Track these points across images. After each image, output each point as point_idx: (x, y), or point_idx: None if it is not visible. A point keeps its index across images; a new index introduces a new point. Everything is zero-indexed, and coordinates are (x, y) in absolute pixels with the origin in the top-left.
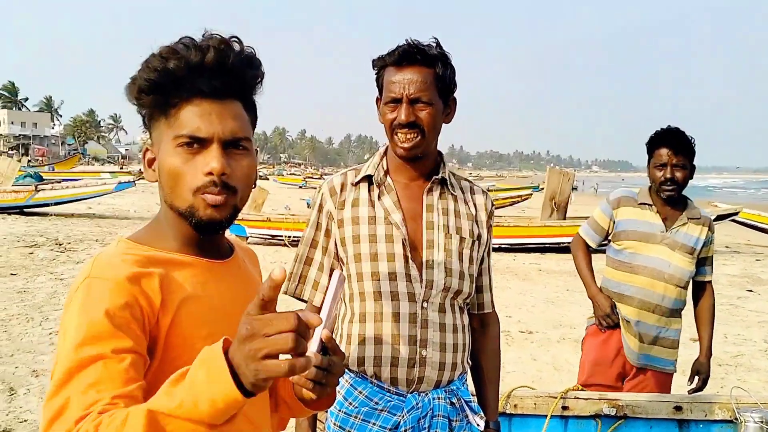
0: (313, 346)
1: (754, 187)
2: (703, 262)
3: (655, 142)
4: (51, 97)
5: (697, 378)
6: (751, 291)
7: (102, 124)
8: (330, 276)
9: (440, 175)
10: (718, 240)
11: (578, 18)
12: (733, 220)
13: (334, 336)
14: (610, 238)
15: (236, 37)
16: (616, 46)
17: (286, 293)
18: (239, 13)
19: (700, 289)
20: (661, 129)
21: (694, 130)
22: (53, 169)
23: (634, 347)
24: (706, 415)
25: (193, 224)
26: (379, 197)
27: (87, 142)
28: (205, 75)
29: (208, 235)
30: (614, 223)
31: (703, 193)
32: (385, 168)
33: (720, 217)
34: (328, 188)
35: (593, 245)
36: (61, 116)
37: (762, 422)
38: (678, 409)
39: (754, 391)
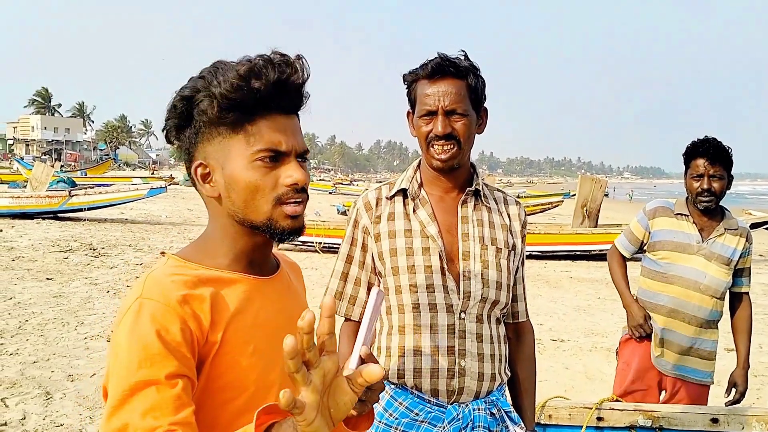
0: (352, 363)
1: None
2: (740, 272)
3: (691, 153)
4: (84, 103)
5: (734, 390)
6: None
7: (133, 129)
8: (368, 291)
9: (474, 186)
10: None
11: (609, 25)
12: None
13: (372, 349)
14: (645, 248)
15: (302, 56)
16: (648, 52)
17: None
18: (267, 16)
19: (737, 299)
20: (698, 139)
21: (727, 136)
22: (85, 174)
23: (669, 358)
24: (743, 428)
25: (272, 234)
26: (414, 210)
27: (118, 147)
28: (282, 93)
29: (269, 245)
30: (650, 233)
31: (734, 201)
32: (419, 181)
33: (754, 225)
34: (363, 203)
35: (628, 255)
36: (93, 122)
37: None
38: (714, 421)
39: None
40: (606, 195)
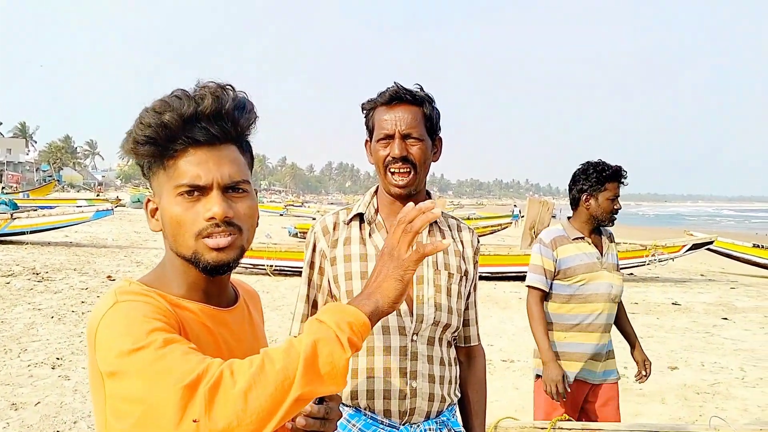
0: None
1: (722, 216)
2: None
3: (608, 177)
4: (25, 123)
5: (645, 365)
6: (726, 319)
7: (78, 150)
8: None
9: None
10: (693, 268)
11: (554, 48)
12: (709, 249)
13: None
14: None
15: (229, 85)
16: (590, 75)
17: (293, 334)
18: (216, 35)
19: None
20: (611, 166)
21: (668, 157)
22: (28, 196)
23: (596, 369)
24: None
25: (200, 269)
26: (370, 234)
27: (62, 169)
28: (200, 124)
29: (215, 277)
30: (556, 262)
31: (673, 220)
32: (376, 206)
33: (696, 246)
34: (321, 227)
35: (546, 290)
36: (35, 142)
37: None
38: None
39: (732, 419)
40: (554, 216)
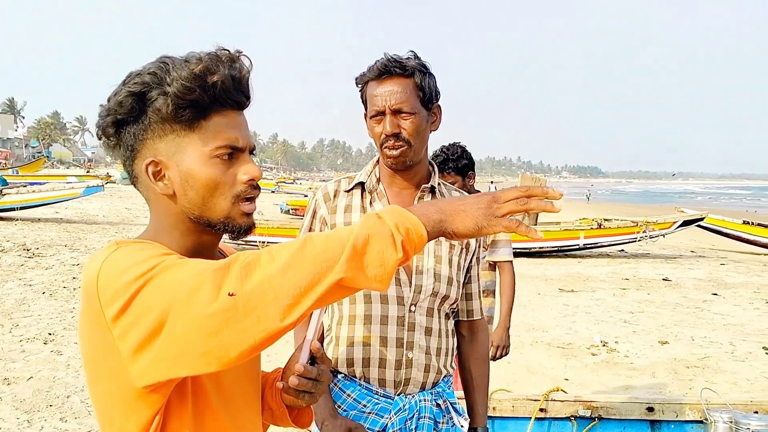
0: (303, 358)
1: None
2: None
3: (440, 167)
4: (14, 99)
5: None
6: (716, 294)
7: (67, 126)
8: None
9: (430, 183)
10: (683, 245)
11: (545, 26)
12: (699, 226)
13: (325, 334)
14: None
15: (243, 51)
16: (585, 52)
17: None
18: (215, 8)
19: None
20: (443, 154)
21: (663, 134)
22: (17, 173)
23: None
24: (677, 416)
25: (229, 231)
26: (371, 203)
27: (52, 145)
28: (235, 88)
29: (240, 238)
30: None
31: (663, 199)
32: (378, 176)
33: (686, 222)
34: (322, 194)
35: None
36: (24, 118)
37: (731, 422)
38: (650, 410)
39: (722, 392)
40: None
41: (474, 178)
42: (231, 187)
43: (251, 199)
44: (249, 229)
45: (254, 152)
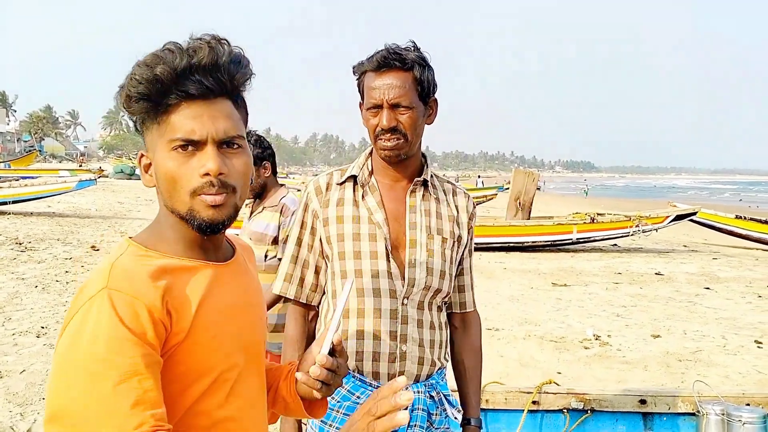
0: (324, 349)
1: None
2: None
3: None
4: (5, 92)
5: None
6: (708, 288)
7: (60, 120)
8: (317, 274)
9: (423, 176)
10: (676, 239)
11: (538, 20)
12: (692, 220)
13: (316, 331)
14: None
15: (224, 38)
16: (579, 48)
17: (286, 294)
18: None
19: None
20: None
21: (657, 130)
22: (9, 167)
23: None
24: (670, 408)
25: (194, 226)
26: (363, 197)
27: (44, 139)
28: (194, 77)
29: (210, 235)
30: None
31: (659, 194)
32: (370, 168)
33: (679, 217)
34: (314, 187)
35: None
36: (15, 112)
37: (723, 414)
38: (643, 402)
39: (714, 385)
40: (538, 188)
41: (270, 170)
42: (188, 181)
43: (220, 192)
44: (218, 222)
45: (234, 142)
